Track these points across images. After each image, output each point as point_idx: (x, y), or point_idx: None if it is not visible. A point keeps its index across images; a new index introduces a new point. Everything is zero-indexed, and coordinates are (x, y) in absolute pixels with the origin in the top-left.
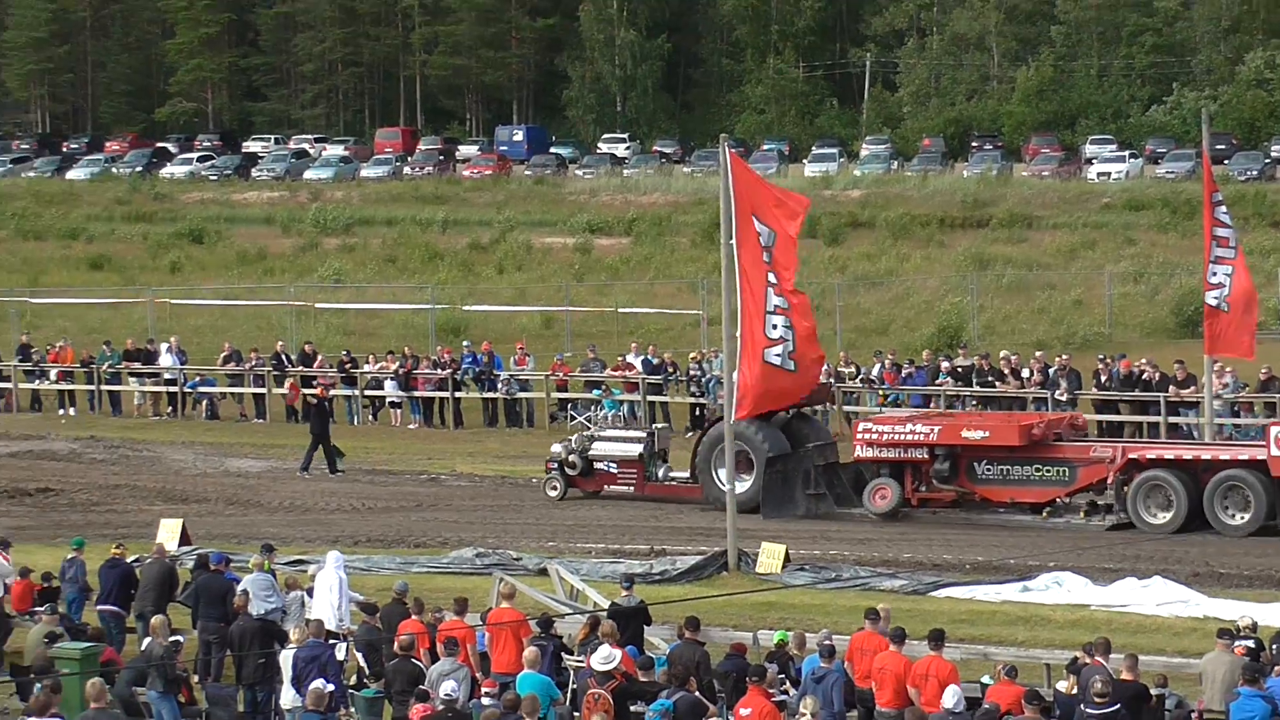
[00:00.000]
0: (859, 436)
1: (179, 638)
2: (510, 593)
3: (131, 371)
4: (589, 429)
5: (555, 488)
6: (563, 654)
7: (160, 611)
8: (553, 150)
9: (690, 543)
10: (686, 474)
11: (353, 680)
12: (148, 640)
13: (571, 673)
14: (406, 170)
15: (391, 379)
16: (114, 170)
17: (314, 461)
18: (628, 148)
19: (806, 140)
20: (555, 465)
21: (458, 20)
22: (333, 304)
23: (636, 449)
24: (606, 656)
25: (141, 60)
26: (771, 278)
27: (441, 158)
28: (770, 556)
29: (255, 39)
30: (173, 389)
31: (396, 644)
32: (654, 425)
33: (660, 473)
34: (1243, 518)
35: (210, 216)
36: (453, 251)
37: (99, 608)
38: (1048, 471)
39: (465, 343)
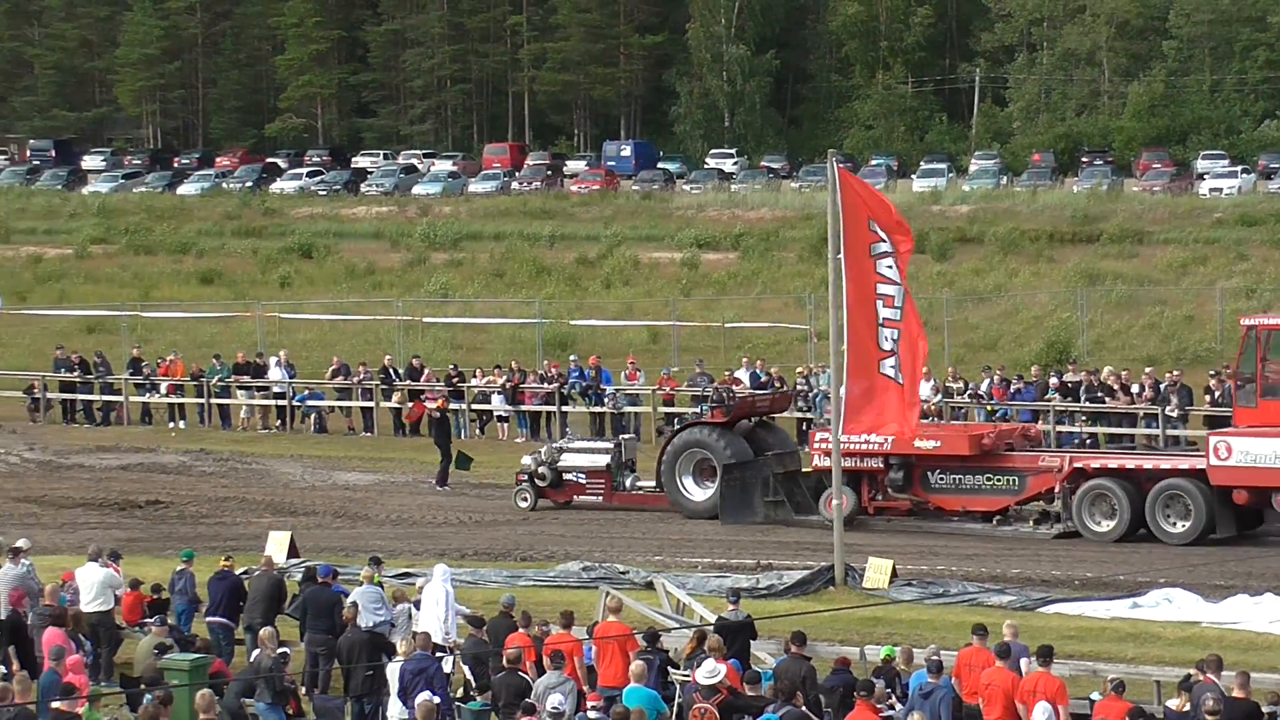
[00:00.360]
0: (816, 446)
1: (287, 649)
2: (617, 606)
3: (241, 385)
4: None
5: (525, 499)
6: (669, 668)
7: (269, 623)
8: (660, 165)
9: (797, 557)
10: (653, 483)
11: (459, 693)
12: (256, 652)
13: (677, 687)
14: (514, 185)
15: (498, 393)
16: (224, 185)
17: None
18: (735, 163)
19: (915, 156)
20: (525, 477)
21: (566, 37)
22: (440, 318)
23: (604, 459)
24: (711, 671)
25: (252, 76)
26: (884, 289)
27: (549, 173)
28: (877, 571)
29: (365, 55)
30: (281, 402)
31: (504, 657)
32: (621, 436)
33: (628, 482)
34: (1183, 526)
35: (319, 231)
36: (560, 266)
37: (208, 619)
38: (998, 480)
39: (572, 357)
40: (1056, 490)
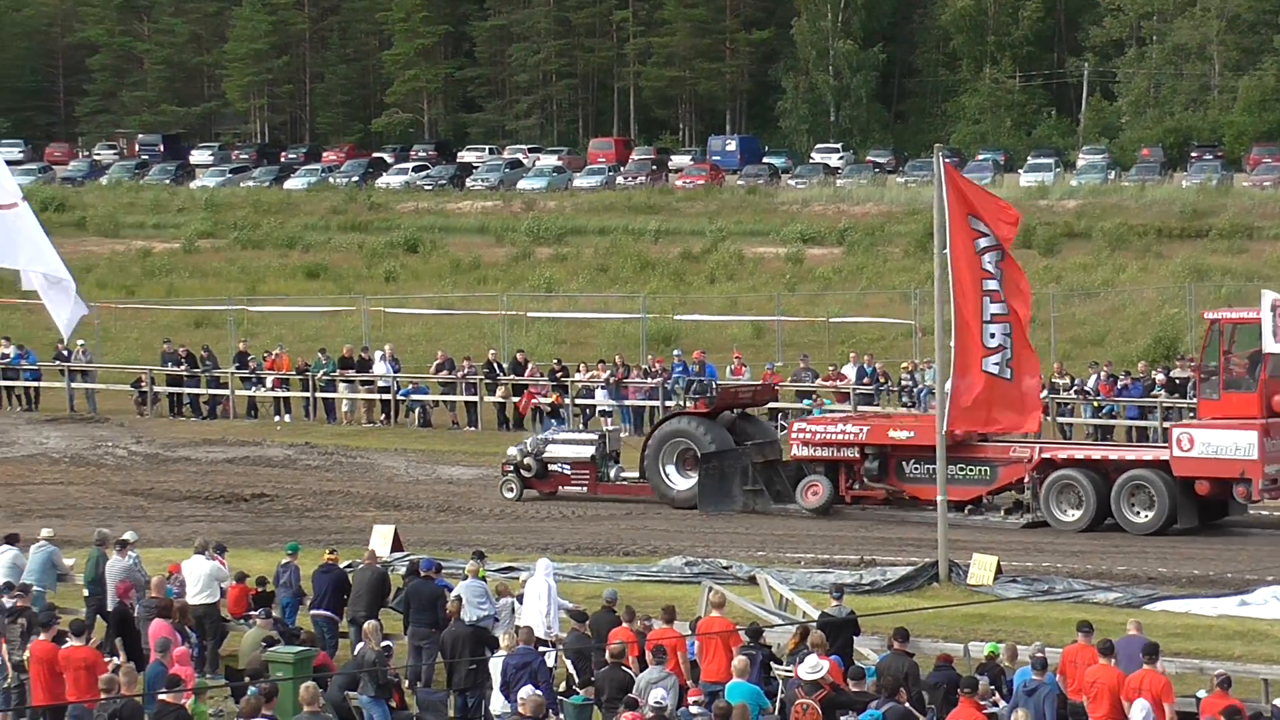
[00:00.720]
0: (794, 436)
1: (390, 643)
2: (720, 601)
3: (345, 379)
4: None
5: (511, 489)
6: (771, 663)
7: (372, 617)
8: (765, 160)
9: (901, 553)
10: (637, 474)
11: (561, 687)
12: (360, 645)
13: (780, 682)
14: (619, 180)
15: (602, 387)
16: (331, 180)
17: None
18: (841, 158)
19: (1022, 150)
20: (511, 468)
21: (672, 32)
22: (545, 313)
23: (589, 450)
24: (814, 666)
25: (359, 71)
26: (989, 285)
27: (654, 167)
28: (982, 568)
29: (471, 50)
30: (386, 397)
31: (608, 651)
32: (605, 427)
33: (612, 473)
34: (1147, 515)
35: (425, 226)
36: (664, 261)
37: (313, 612)
38: (971, 470)
39: (676, 352)
40: (1026, 481)
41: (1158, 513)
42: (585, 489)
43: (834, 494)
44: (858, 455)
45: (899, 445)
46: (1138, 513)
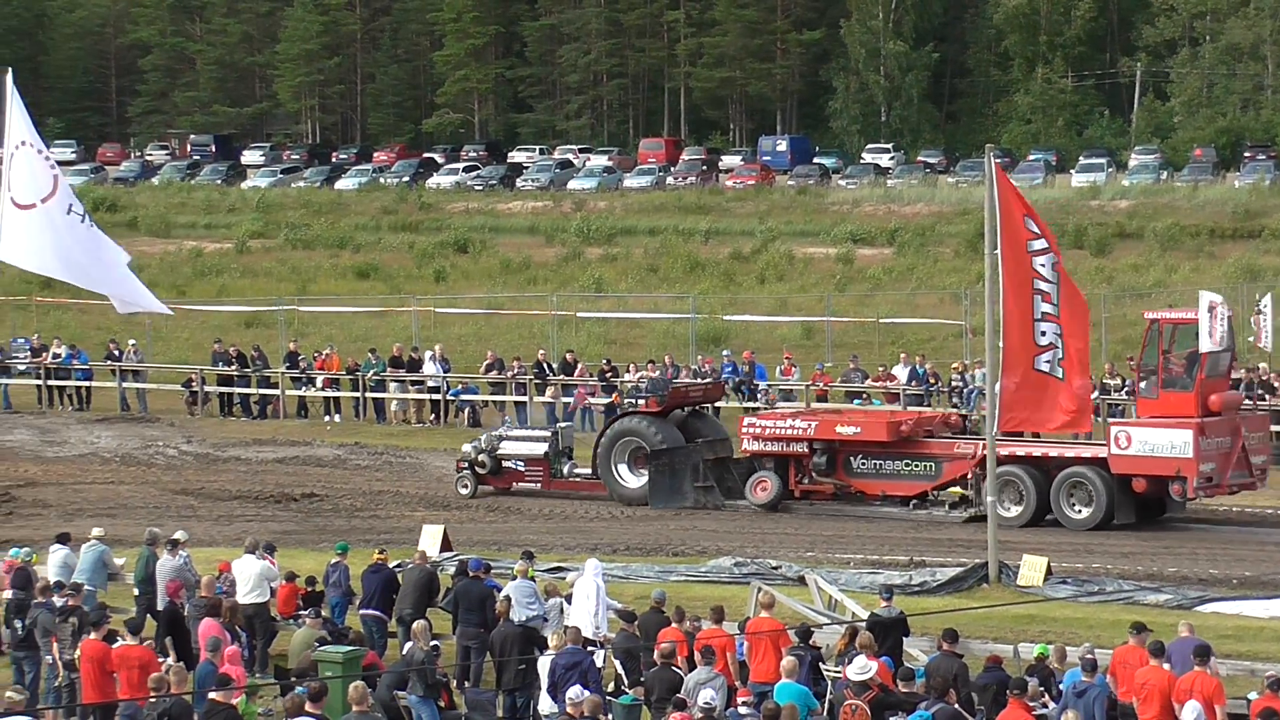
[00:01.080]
0: (745, 432)
1: (439, 642)
2: (769, 602)
3: (395, 379)
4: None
5: (466, 486)
6: (820, 664)
7: (420, 616)
8: (816, 160)
9: (950, 554)
10: (590, 470)
11: (610, 687)
12: (408, 645)
13: (829, 683)
14: (669, 180)
15: None
16: (381, 180)
17: None
18: (892, 158)
19: (1074, 151)
20: (466, 465)
21: (723, 32)
22: (594, 313)
23: (542, 447)
24: (863, 667)
25: (410, 72)
26: (1040, 284)
27: (704, 168)
28: (1032, 569)
29: (522, 50)
30: (436, 397)
31: (657, 652)
32: (558, 424)
33: (565, 469)
34: (1085, 511)
35: (475, 226)
36: (714, 261)
37: (362, 612)
38: (916, 466)
39: (725, 352)
40: (969, 477)
41: (1095, 509)
42: (539, 485)
43: (783, 489)
44: (806, 450)
45: (847, 441)
46: (1076, 509)
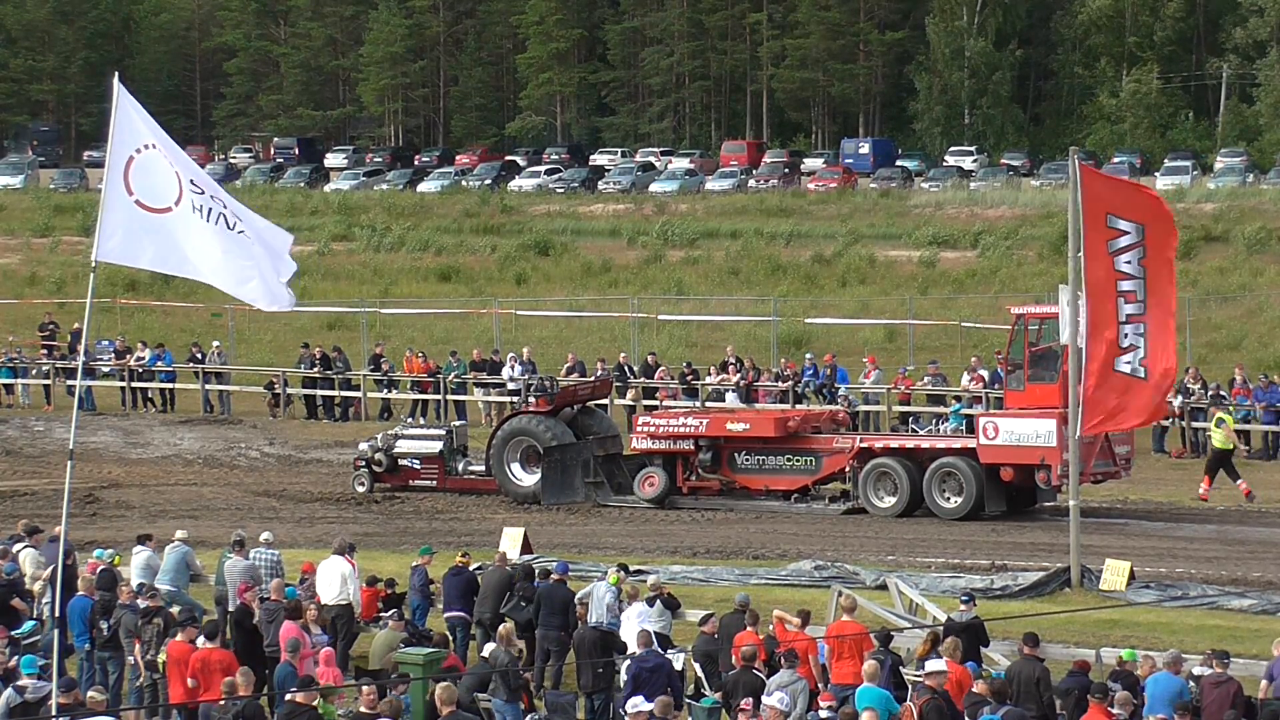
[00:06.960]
0: (638, 429)
1: (521, 645)
2: (851, 606)
3: (477, 382)
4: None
5: (362, 484)
6: (900, 668)
7: (498, 618)
8: (899, 163)
9: (1032, 558)
10: (484, 468)
11: (690, 690)
12: (488, 646)
13: (910, 688)
14: (751, 183)
15: (733, 390)
16: (464, 183)
17: None
18: (975, 160)
19: (1159, 153)
20: (362, 463)
21: (806, 34)
22: (676, 315)
23: (437, 445)
24: (932, 669)
25: (493, 74)
26: (1124, 285)
27: (787, 170)
28: (1114, 574)
29: (605, 54)
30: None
31: (738, 655)
32: (452, 423)
33: (460, 467)
34: (956, 501)
35: (556, 229)
36: (796, 264)
37: (447, 614)
38: (797, 461)
39: (807, 355)
40: (847, 470)
41: (965, 498)
42: (434, 483)
43: (670, 485)
44: (693, 447)
45: (733, 437)
46: (947, 498)
